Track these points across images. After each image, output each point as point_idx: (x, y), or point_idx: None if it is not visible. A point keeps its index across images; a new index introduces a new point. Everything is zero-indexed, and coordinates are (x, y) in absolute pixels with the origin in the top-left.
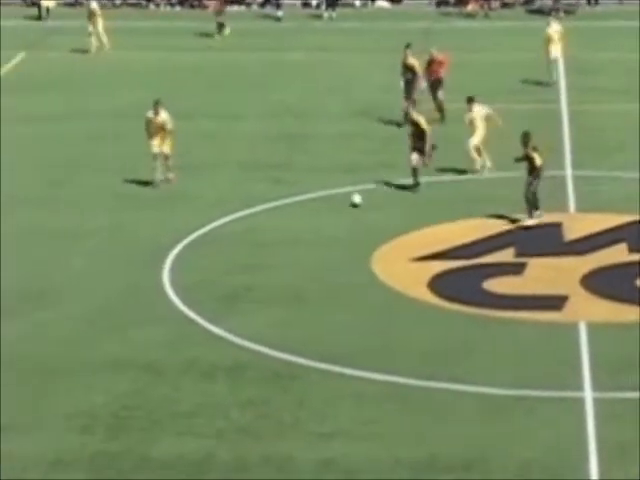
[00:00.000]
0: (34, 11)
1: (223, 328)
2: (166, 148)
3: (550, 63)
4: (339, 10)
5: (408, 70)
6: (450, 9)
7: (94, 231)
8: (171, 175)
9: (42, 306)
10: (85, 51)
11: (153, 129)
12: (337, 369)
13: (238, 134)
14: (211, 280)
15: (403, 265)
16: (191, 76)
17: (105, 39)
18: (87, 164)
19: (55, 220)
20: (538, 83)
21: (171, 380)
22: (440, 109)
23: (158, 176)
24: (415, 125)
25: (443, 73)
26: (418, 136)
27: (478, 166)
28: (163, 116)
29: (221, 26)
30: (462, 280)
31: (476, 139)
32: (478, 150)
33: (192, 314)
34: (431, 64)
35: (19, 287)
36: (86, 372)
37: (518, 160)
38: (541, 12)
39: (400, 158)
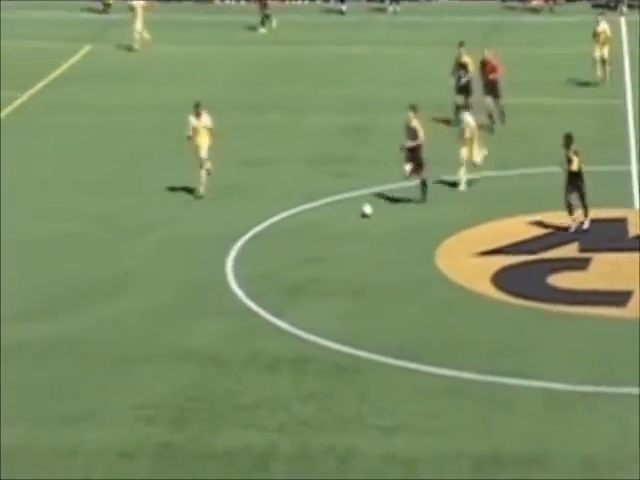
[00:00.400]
0: (97, 4)
1: (286, 321)
2: (204, 152)
3: (596, 62)
4: (403, 4)
5: (461, 68)
6: (515, 3)
7: (160, 223)
8: (203, 187)
9: (109, 298)
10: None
11: (196, 133)
12: (400, 363)
13: (304, 128)
14: (275, 273)
15: (466, 260)
16: (257, 70)
17: (145, 35)
18: (153, 156)
19: (121, 212)
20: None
21: (234, 372)
22: (501, 113)
23: (201, 187)
24: (413, 134)
25: (498, 77)
26: (413, 147)
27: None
28: (205, 118)
29: (266, 18)
30: (526, 275)
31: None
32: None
33: (255, 307)
34: (484, 66)
35: (86, 279)
36: (151, 363)
37: (562, 164)
38: (606, 6)
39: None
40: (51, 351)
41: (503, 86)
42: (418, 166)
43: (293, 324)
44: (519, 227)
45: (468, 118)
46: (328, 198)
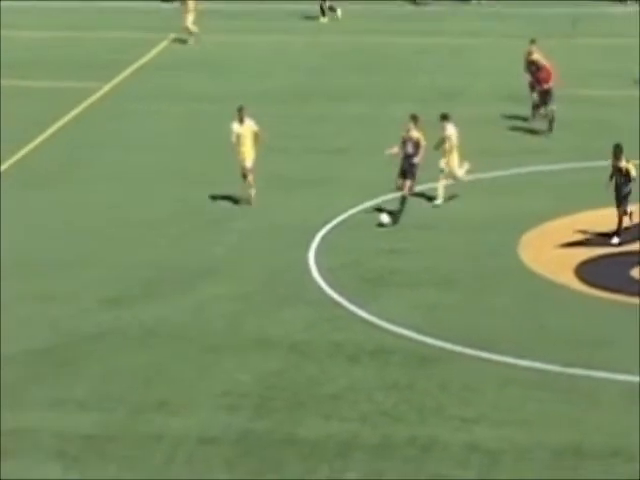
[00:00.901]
0: None
1: (368, 311)
2: (249, 162)
3: None
4: None
5: (532, 65)
6: None
7: (244, 212)
8: (252, 192)
9: (196, 286)
10: (232, 34)
11: (239, 140)
12: (482, 354)
13: (386, 117)
14: (357, 262)
15: (550, 251)
16: (332, 59)
17: (193, 29)
18: None
19: (208, 201)
20: None
21: (316, 362)
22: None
23: (246, 192)
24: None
25: (551, 83)
26: (407, 159)
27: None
28: (249, 123)
29: (330, 9)
30: (609, 267)
31: (459, 170)
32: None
33: (338, 297)
34: (532, 65)
35: (174, 267)
36: (235, 351)
37: (611, 177)
38: None
39: (545, 143)
40: (141, 338)
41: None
42: (408, 180)
43: (375, 314)
44: (603, 219)
45: (451, 129)
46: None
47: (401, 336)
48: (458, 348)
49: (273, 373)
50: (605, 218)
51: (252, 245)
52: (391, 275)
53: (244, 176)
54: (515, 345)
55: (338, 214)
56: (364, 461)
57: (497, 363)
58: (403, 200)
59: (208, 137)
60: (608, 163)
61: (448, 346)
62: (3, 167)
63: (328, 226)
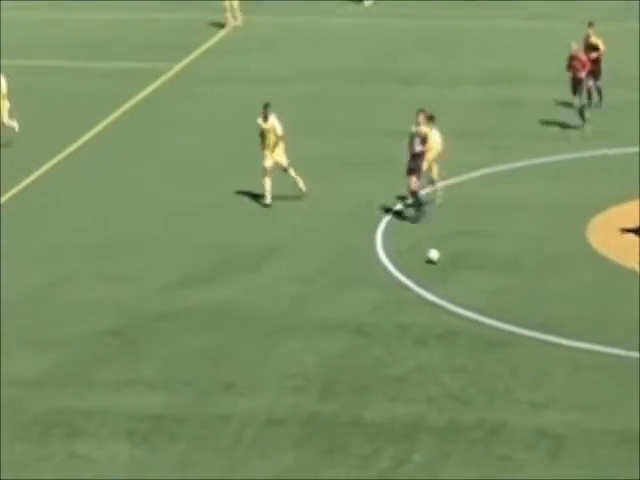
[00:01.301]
0: None
1: (436, 294)
2: (280, 157)
3: None
4: None
5: (591, 49)
6: None
7: (313, 193)
8: (301, 185)
9: (261, 267)
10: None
11: (263, 136)
12: (550, 338)
13: (453, 100)
14: (424, 246)
15: (618, 235)
16: (407, 42)
17: (238, 15)
18: (305, 127)
19: (284, 182)
20: None
21: (383, 344)
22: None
23: (267, 191)
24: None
25: (583, 74)
26: (414, 156)
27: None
28: (272, 121)
29: None
30: None
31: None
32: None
33: (404, 279)
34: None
35: (240, 248)
36: (301, 333)
37: None
38: None
39: (613, 127)
40: (207, 319)
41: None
42: (413, 176)
43: (443, 297)
44: None
45: (437, 137)
46: (479, 171)
47: (468, 319)
48: (527, 332)
49: (339, 355)
50: None
51: (318, 227)
52: (459, 258)
53: (264, 172)
54: (584, 329)
55: (405, 196)
56: (430, 443)
57: (566, 347)
58: (414, 196)
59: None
60: None
61: (517, 330)
62: (73, 147)
63: (395, 208)
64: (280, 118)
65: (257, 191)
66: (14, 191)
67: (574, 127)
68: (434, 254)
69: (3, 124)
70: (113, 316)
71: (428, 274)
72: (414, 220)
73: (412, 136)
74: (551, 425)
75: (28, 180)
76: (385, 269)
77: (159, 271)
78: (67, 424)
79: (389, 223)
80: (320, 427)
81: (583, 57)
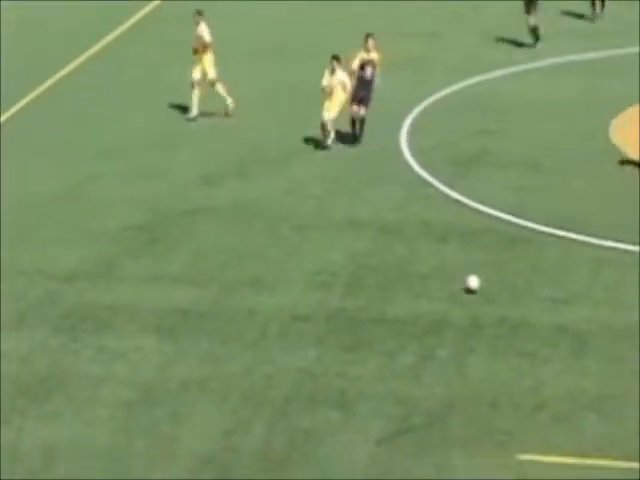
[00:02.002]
0: None
1: (458, 192)
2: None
3: None
4: None
5: None
6: None
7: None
8: (229, 102)
9: (289, 165)
10: None
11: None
12: (572, 235)
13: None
14: (447, 144)
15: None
16: None
17: None
18: (338, 23)
19: (304, 78)
20: None
21: (407, 241)
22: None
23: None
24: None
25: None
26: (365, 83)
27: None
28: (340, 76)
29: None
30: None
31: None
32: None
33: (428, 177)
34: None
35: (268, 145)
36: (327, 230)
37: None
38: None
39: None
40: (234, 216)
41: None
42: (362, 107)
43: (465, 195)
44: None
45: (340, 75)
46: (502, 70)
47: (491, 216)
48: (548, 229)
49: (364, 252)
50: None
51: (344, 126)
52: (482, 156)
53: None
54: (606, 227)
55: (429, 96)
56: (453, 339)
57: (588, 245)
58: (362, 122)
59: (306, 15)
60: None
61: (539, 227)
62: (93, 50)
63: (420, 107)
64: (312, 14)
65: (287, 87)
66: (43, 87)
67: (597, 26)
68: (474, 282)
69: None
70: (140, 213)
71: (451, 172)
72: (355, 140)
73: (362, 64)
74: (573, 322)
75: (59, 75)
76: (409, 168)
77: (185, 169)
78: (96, 318)
79: (412, 123)
80: (344, 323)
81: None
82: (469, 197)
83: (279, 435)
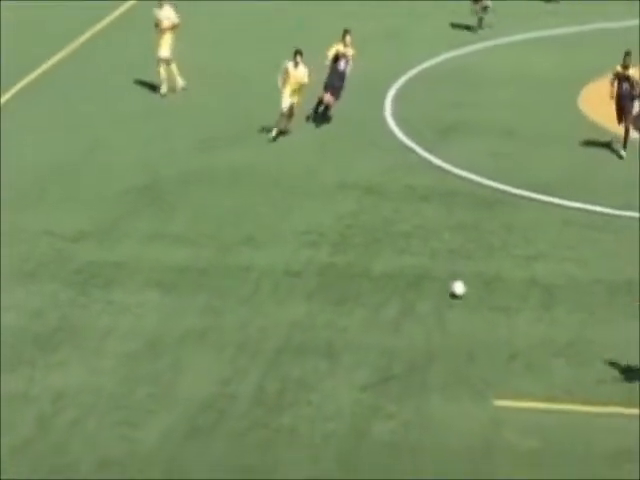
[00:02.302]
0: None
1: (439, 157)
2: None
3: None
4: None
5: None
6: None
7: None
8: (179, 80)
9: (282, 132)
10: None
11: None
12: (544, 197)
13: None
14: (428, 113)
15: (608, 102)
16: None
17: None
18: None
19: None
20: None
21: (391, 203)
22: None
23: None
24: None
25: None
26: (339, 75)
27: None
28: (302, 70)
29: None
30: None
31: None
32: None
33: (411, 143)
34: None
35: (260, 115)
36: (316, 193)
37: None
38: None
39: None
40: (230, 179)
41: None
42: (336, 93)
43: (445, 160)
44: None
45: (302, 70)
46: (476, 45)
47: (469, 180)
48: (522, 192)
49: (350, 213)
50: None
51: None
52: (460, 125)
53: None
54: (574, 189)
55: (410, 69)
56: (433, 293)
57: (557, 206)
58: (326, 109)
59: None
60: None
61: (513, 190)
62: (118, 13)
63: (403, 79)
64: None
65: (274, 63)
66: (52, 61)
67: (569, 5)
68: (459, 288)
69: None
70: (142, 177)
71: (432, 140)
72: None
73: (338, 56)
74: (543, 276)
75: (64, 53)
76: (393, 135)
77: (184, 136)
78: (103, 275)
79: (395, 94)
80: (332, 279)
81: None
82: (449, 162)
83: (272, 382)
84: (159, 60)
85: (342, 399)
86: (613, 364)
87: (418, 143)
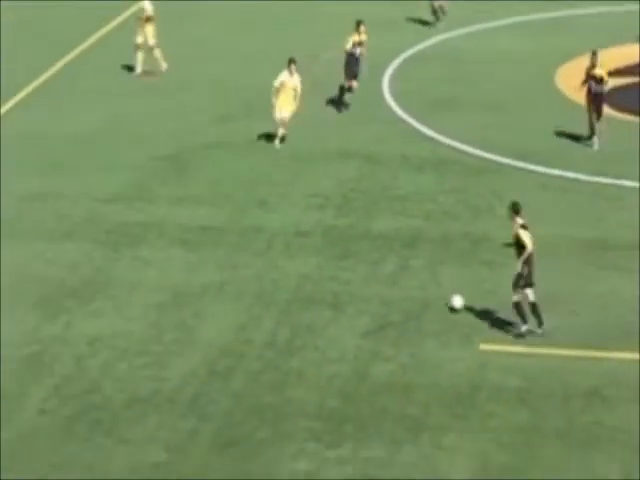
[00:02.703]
0: None
1: (432, 129)
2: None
3: None
4: None
5: None
6: None
7: (331, 47)
8: (162, 64)
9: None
10: None
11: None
12: (525, 165)
13: None
14: (422, 89)
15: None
16: None
17: None
18: None
19: (302, 37)
20: None
21: (388, 170)
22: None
23: (138, 62)
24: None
25: None
26: (356, 60)
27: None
28: (296, 77)
29: None
30: (635, 94)
31: (288, 112)
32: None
33: (407, 117)
34: None
35: (266, 91)
36: (321, 161)
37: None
38: None
39: None
40: (245, 148)
41: None
42: (356, 77)
43: (438, 132)
44: (630, 54)
45: (296, 78)
46: (465, 29)
47: (459, 150)
48: (507, 160)
49: (352, 179)
50: (632, 53)
51: (335, 73)
52: (451, 100)
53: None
54: (552, 157)
55: (407, 49)
56: (427, 251)
57: (537, 173)
58: (350, 89)
59: None
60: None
61: (498, 159)
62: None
63: (399, 59)
64: None
65: (292, 41)
66: (86, 44)
67: None
68: (458, 302)
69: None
70: (166, 146)
71: (426, 113)
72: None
73: (354, 45)
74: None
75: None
76: (391, 109)
77: (204, 109)
78: (132, 234)
79: (392, 72)
80: (337, 237)
81: None
82: (441, 133)
83: (284, 329)
84: (142, 46)
85: (345, 344)
86: (588, 312)
87: (413, 116)
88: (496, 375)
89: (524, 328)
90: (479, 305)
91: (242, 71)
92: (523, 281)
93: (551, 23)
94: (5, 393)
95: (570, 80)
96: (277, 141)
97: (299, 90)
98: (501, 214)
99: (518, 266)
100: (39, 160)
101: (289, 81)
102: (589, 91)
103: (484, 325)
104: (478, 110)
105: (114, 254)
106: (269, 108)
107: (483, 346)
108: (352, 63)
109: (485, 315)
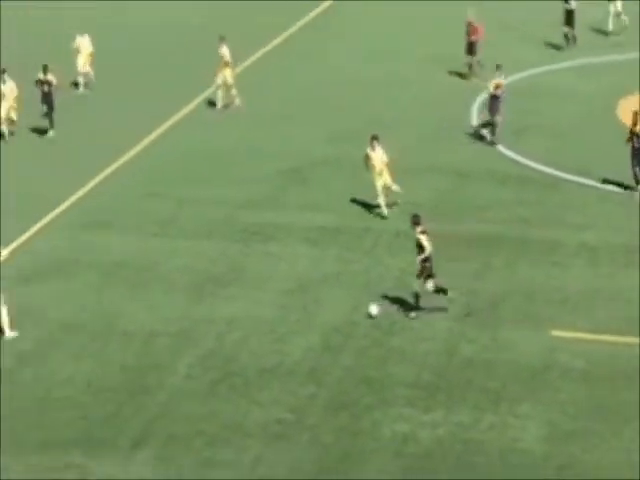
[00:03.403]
0: None
1: (513, 151)
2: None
3: None
4: None
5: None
6: None
7: (421, 78)
8: (237, 101)
9: (396, 130)
10: None
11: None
12: (586, 181)
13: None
14: (509, 119)
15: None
16: None
17: None
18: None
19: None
20: None
21: (474, 184)
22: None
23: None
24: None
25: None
26: (497, 99)
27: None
28: (379, 152)
29: None
30: None
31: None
32: None
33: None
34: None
35: (377, 115)
36: (416, 174)
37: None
38: None
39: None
40: (353, 167)
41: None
42: (499, 113)
43: (518, 153)
44: None
45: (379, 151)
46: (541, 68)
47: (535, 169)
48: (571, 177)
49: (444, 190)
50: None
51: (425, 102)
52: (527, 128)
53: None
54: (610, 175)
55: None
56: (506, 251)
57: (596, 188)
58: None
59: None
60: None
61: (565, 175)
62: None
63: (486, 92)
64: None
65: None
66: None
67: (606, 39)
68: (374, 310)
69: None
70: (290, 159)
71: (507, 138)
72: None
73: (496, 85)
74: (590, 240)
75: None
76: (477, 133)
77: (322, 128)
78: (264, 233)
79: (478, 105)
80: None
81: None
82: (520, 155)
83: (386, 313)
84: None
85: (438, 327)
86: None
87: (496, 141)
88: (565, 357)
89: (413, 314)
90: (550, 298)
91: (353, 98)
92: (426, 272)
93: (612, 65)
94: (159, 361)
95: (629, 111)
96: (384, 208)
97: (386, 161)
98: (569, 222)
99: (418, 263)
100: (189, 171)
101: (374, 156)
102: (633, 146)
103: (554, 315)
104: (550, 136)
105: (247, 249)
106: (374, 131)
107: (554, 332)
108: (495, 105)
109: (555, 306)
